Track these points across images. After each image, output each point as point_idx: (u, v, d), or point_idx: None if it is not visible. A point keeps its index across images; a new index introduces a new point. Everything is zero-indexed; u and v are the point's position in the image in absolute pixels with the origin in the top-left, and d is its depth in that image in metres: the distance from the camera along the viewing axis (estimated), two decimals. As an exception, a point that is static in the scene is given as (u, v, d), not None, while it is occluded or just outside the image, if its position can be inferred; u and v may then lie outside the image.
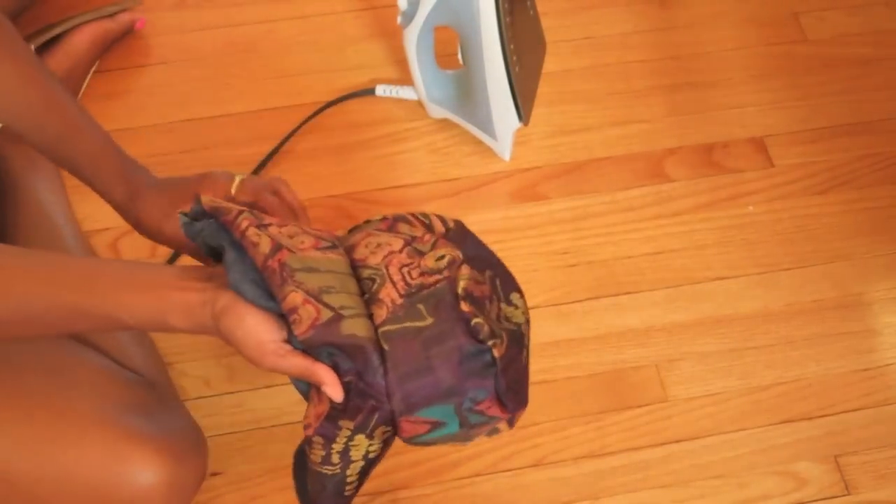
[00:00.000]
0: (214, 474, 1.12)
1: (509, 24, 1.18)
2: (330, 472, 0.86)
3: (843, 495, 1.13)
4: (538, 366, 1.19)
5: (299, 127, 1.34)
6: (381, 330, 0.83)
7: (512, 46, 1.19)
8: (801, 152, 1.36)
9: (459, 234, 0.91)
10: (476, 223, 1.29)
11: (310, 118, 1.35)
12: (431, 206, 1.30)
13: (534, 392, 1.18)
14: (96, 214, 1.27)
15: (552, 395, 1.18)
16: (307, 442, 0.85)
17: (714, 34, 1.46)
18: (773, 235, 1.30)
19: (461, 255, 0.88)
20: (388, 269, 0.86)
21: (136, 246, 1.25)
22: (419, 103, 1.36)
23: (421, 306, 0.84)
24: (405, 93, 1.36)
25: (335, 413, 0.83)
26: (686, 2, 1.49)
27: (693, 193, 1.32)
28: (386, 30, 1.43)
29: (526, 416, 1.16)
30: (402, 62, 1.37)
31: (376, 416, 0.83)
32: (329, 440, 0.84)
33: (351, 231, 0.92)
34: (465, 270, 0.86)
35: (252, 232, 0.84)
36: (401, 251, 0.87)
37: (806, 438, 1.17)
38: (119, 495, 0.94)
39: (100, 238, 1.25)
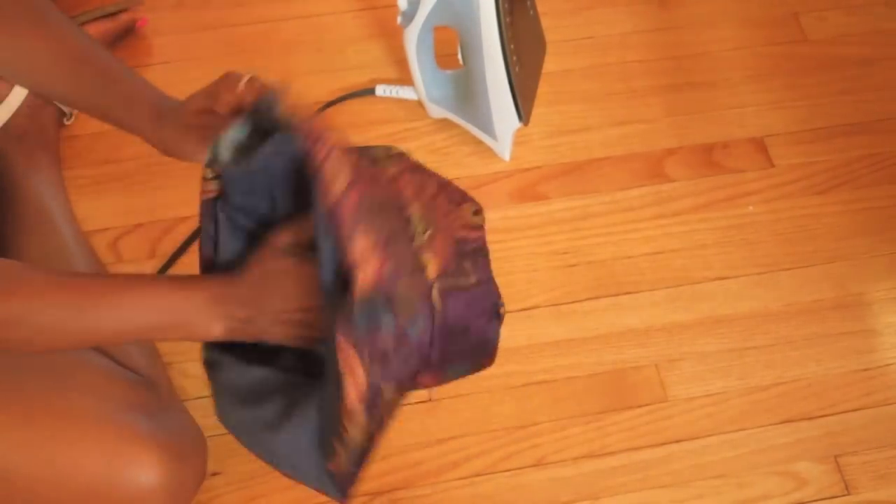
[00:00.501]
0: (214, 474, 1.12)
1: (509, 24, 1.18)
2: (364, 443, 0.85)
3: (843, 495, 1.13)
4: (538, 366, 1.19)
5: (299, 127, 1.34)
6: (436, 286, 0.83)
7: (512, 46, 1.19)
8: (801, 152, 1.36)
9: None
10: (476, 223, 1.29)
11: (310, 118, 1.35)
12: (431, 206, 1.30)
13: (534, 392, 1.18)
14: (96, 214, 1.27)
15: (552, 395, 1.18)
16: (348, 416, 0.82)
17: (714, 34, 1.46)
18: (773, 235, 1.30)
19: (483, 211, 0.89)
20: (437, 218, 0.85)
21: (137, 246, 1.25)
22: (419, 103, 1.36)
23: (467, 264, 0.85)
24: (405, 93, 1.36)
25: (376, 383, 0.82)
26: (686, 2, 1.49)
27: (693, 193, 1.32)
28: (386, 30, 1.43)
29: (526, 416, 1.16)
30: (402, 62, 1.37)
31: (415, 370, 0.85)
32: (371, 408, 0.82)
33: (363, 150, 0.89)
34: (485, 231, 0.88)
35: (333, 162, 0.80)
36: (438, 195, 0.86)
37: (806, 438, 1.17)
38: (119, 495, 0.94)
39: (100, 238, 1.25)
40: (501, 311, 0.88)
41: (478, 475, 1.14)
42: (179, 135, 0.94)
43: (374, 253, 0.79)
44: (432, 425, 1.15)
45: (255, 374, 0.91)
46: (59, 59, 0.96)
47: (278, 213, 0.93)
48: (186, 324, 0.87)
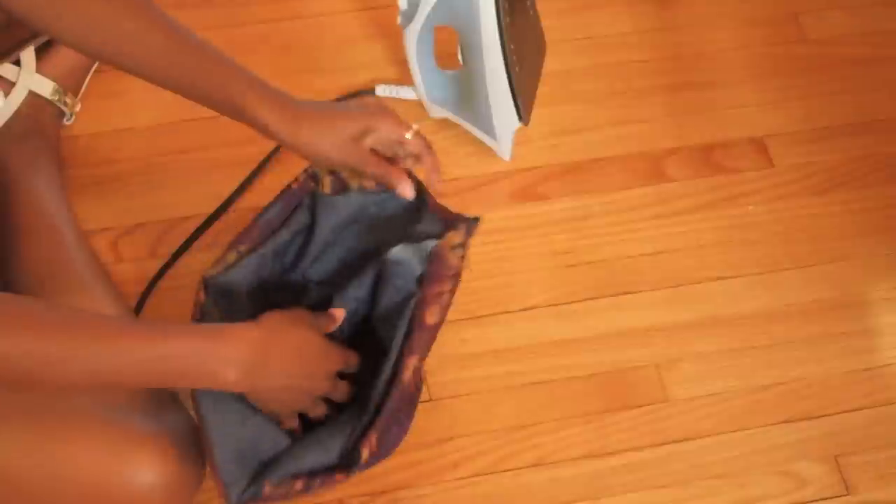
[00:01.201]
0: (214, 474, 1.12)
1: (509, 24, 1.18)
2: None
3: (843, 495, 1.13)
4: (538, 365, 1.20)
5: (299, 127, 1.34)
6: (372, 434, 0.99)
7: (512, 46, 1.19)
8: (801, 152, 1.36)
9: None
10: (476, 223, 1.29)
11: (310, 118, 1.34)
12: (431, 206, 1.29)
13: (534, 392, 1.18)
14: (96, 214, 1.27)
15: (552, 395, 1.18)
16: None
17: (714, 34, 1.46)
18: (773, 235, 1.30)
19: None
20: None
21: (137, 246, 1.25)
22: (419, 103, 1.36)
23: (402, 415, 1.03)
24: (405, 93, 1.36)
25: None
26: (686, 2, 1.49)
27: (693, 193, 1.32)
28: (386, 30, 1.43)
29: (526, 416, 1.16)
30: (402, 62, 1.37)
31: None
32: None
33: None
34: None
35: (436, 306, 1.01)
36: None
37: (806, 438, 1.17)
38: (119, 495, 0.94)
39: (100, 238, 1.25)
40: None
41: (478, 475, 1.14)
42: (315, 136, 1.00)
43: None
44: (432, 425, 1.15)
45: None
46: (164, 38, 1.03)
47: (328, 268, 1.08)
48: (206, 371, 0.89)
